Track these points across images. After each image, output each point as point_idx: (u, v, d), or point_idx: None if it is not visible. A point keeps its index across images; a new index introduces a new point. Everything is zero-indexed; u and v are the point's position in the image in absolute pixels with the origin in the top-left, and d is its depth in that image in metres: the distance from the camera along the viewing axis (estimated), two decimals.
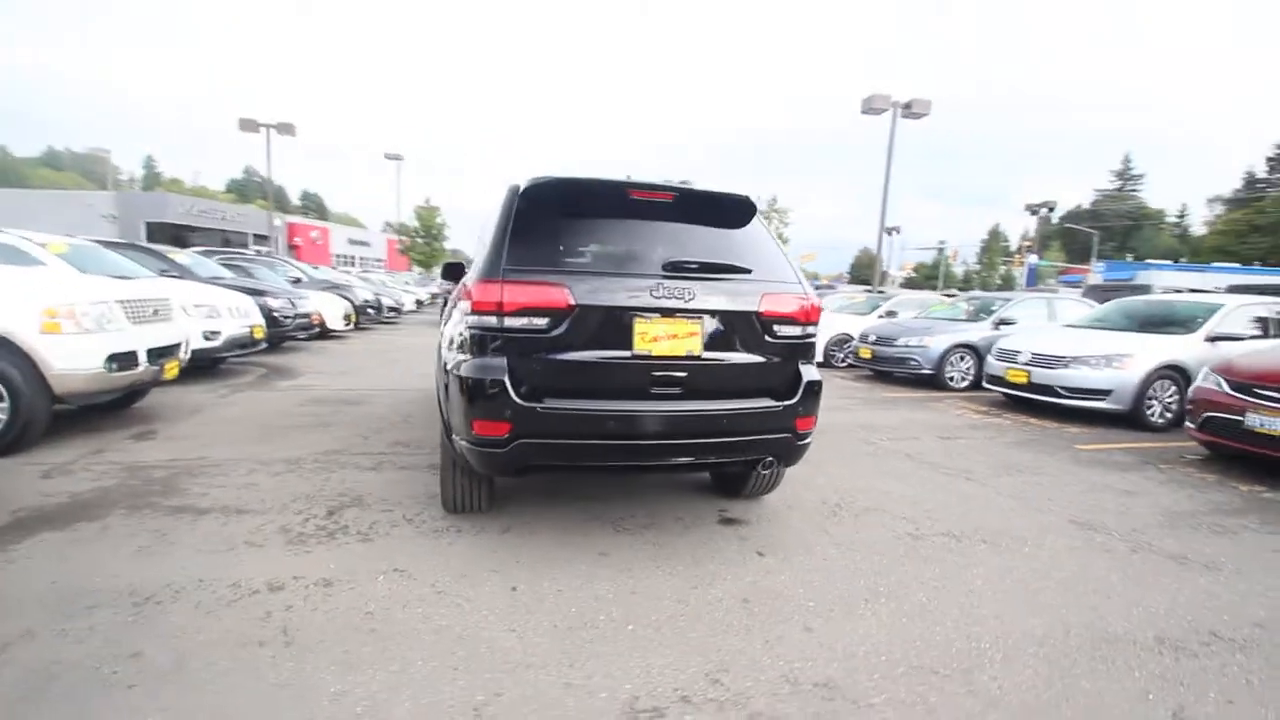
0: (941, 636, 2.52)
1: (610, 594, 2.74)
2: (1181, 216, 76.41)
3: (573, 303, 2.73)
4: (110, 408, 5.40)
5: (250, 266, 11.12)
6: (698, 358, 2.91)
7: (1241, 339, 6.81)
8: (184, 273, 8.38)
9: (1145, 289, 12.72)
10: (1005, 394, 7.89)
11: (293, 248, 37.38)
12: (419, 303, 22.18)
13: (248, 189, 79.64)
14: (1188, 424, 5.51)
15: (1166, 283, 18.68)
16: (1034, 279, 33.70)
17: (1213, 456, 5.57)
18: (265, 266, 12.10)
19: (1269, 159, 65.09)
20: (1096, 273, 37.95)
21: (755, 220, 3.32)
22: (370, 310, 14.58)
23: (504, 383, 2.70)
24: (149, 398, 5.81)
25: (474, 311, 2.78)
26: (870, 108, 17.53)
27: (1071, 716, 2.08)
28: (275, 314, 8.91)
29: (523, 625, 2.46)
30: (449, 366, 3.01)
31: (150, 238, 23.99)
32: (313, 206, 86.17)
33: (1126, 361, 6.74)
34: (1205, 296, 8.45)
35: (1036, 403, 7.43)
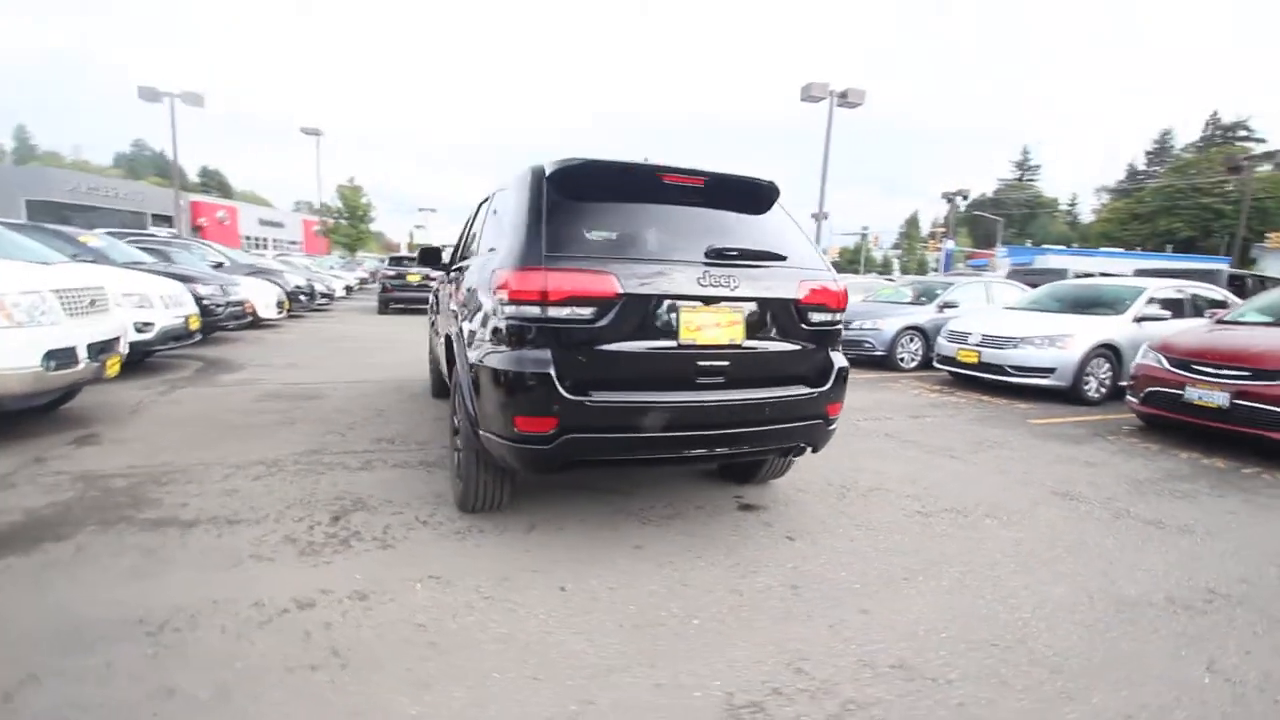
0: (986, 610, 2.63)
1: (662, 589, 2.69)
2: (1072, 205, 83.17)
3: (620, 291, 2.63)
4: (38, 410, 4.80)
5: (169, 251, 10.14)
6: (739, 346, 2.87)
7: (1163, 319, 7.47)
8: (98, 258, 7.53)
9: (1063, 274, 13.74)
10: (954, 373, 8.32)
11: (197, 229, 34.50)
12: (348, 289, 21.01)
13: (138, 164, 72.54)
14: (1130, 398, 6.00)
15: (1058, 265, 20.27)
16: (950, 263, 35.75)
17: (1148, 427, 6.10)
18: (184, 250, 11.09)
19: (1148, 153, 71.69)
20: (1002, 257, 40.70)
21: (778, 205, 3.31)
22: (303, 297, 13.66)
23: (550, 376, 2.57)
24: (79, 397, 5.20)
25: (512, 301, 2.62)
26: (809, 95, 17.92)
27: (1124, 676, 2.21)
28: (206, 302, 8.16)
29: (586, 627, 2.38)
30: (477, 359, 2.84)
31: (32, 219, 21.47)
32: (213, 184, 79.68)
33: (1068, 341, 7.25)
34: (1127, 280, 9.21)
35: (983, 381, 7.89)
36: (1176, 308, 7.84)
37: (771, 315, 2.95)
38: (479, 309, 2.97)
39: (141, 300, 6.25)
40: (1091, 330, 7.36)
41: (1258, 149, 59.34)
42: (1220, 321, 6.26)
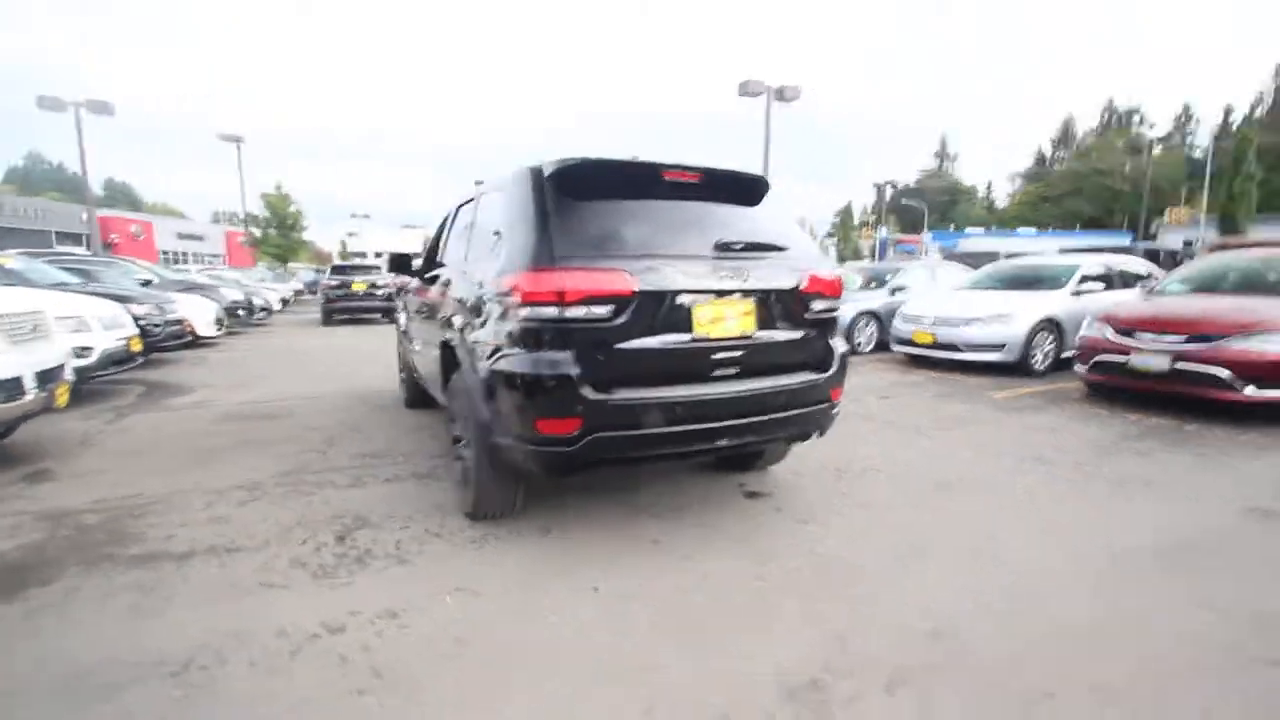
0: (1001, 578, 2.76)
1: (689, 582, 2.71)
2: (989, 191, 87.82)
3: (635, 288, 2.63)
4: None
5: (92, 270, 9.44)
6: (750, 337, 2.92)
7: (1097, 293, 8.00)
8: (18, 280, 6.96)
9: (995, 256, 14.54)
10: (909, 354, 8.68)
11: (108, 245, 32.18)
12: (284, 301, 20.05)
13: (34, 178, 66.87)
14: (1078, 367, 6.41)
15: (990, 249, 21.46)
16: (885, 250, 37.14)
17: (1093, 394, 6.53)
18: (108, 268, 10.35)
19: (1053, 140, 76.26)
20: (930, 241, 42.65)
21: (769, 199, 3.37)
22: (240, 312, 12.96)
23: (572, 377, 2.55)
24: (20, 430, 4.79)
25: (526, 303, 2.59)
26: (747, 91, 18.28)
27: (1137, 627, 2.38)
28: (143, 322, 7.65)
29: (626, 626, 2.38)
30: (489, 365, 2.78)
31: None
32: (121, 197, 74.43)
33: (1015, 318, 7.67)
34: (1061, 258, 9.81)
35: (936, 359, 8.26)
36: (1107, 281, 8.42)
37: (778, 305, 3.01)
38: (484, 313, 2.91)
39: (78, 324, 5.80)
40: (1035, 306, 7.81)
41: (1149, 133, 64.37)
42: (1152, 292, 6.77)
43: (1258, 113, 56.33)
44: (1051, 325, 7.80)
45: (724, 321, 2.83)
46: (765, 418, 2.96)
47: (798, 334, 3.10)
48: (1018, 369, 7.73)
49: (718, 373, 2.86)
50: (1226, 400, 5.16)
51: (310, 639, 2.27)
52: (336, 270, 15.45)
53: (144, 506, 3.53)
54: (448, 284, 3.68)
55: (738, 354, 2.89)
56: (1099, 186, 61.94)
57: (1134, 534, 3.20)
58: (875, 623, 2.40)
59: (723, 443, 2.88)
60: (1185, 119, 67.90)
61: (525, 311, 2.59)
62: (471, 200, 3.98)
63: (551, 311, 2.57)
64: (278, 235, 30.68)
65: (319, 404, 6.30)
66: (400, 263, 5.04)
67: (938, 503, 3.64)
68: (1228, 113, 61.77)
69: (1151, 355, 5.54)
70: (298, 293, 25.12)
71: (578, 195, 2.86)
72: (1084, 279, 8.22)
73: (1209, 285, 6.50)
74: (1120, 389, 6.02)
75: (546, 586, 2.66)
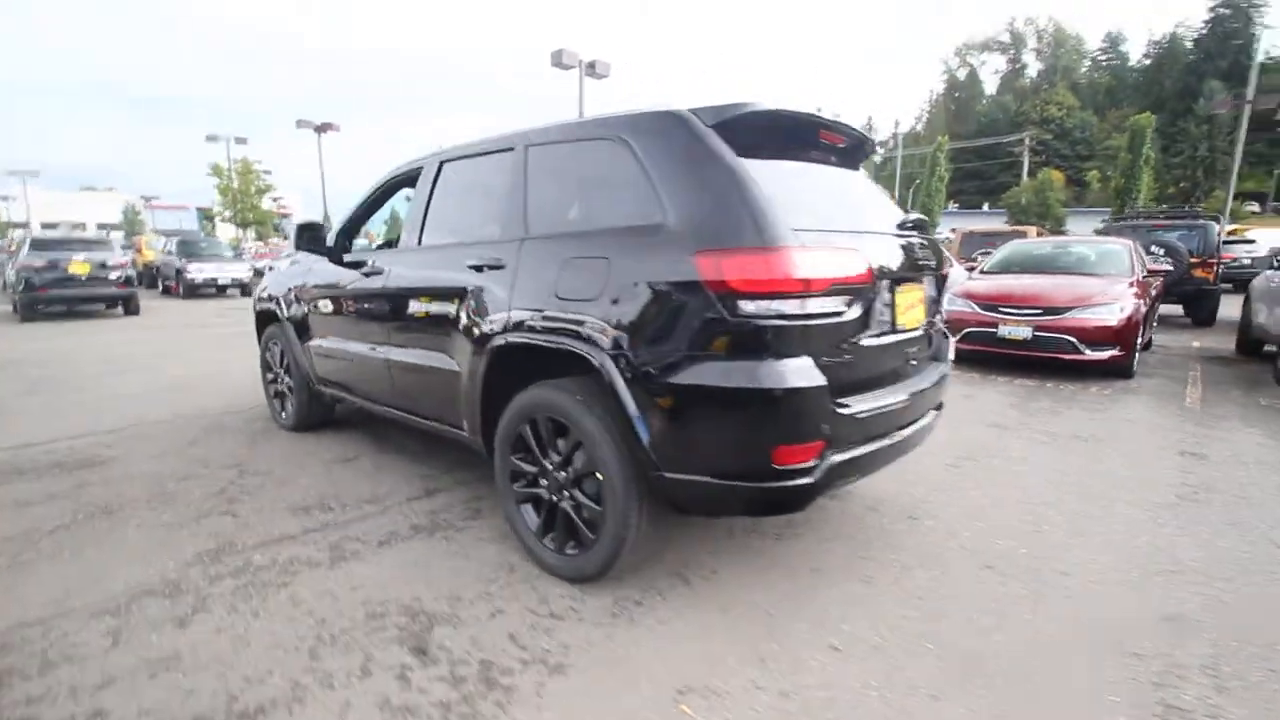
0: (1101, 532, 2.96)
1: (910, 611, 2.36)
2: None
3: (873, 272, 2.15)
4: None
5: None
6: (919, 328, 2.62)
7: None
8: None
9: None
10: None
11: None
12: None
13: None
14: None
15: None
16: None
17: (954, 360, 7.52)
18: None
19: None
20: None
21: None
22: None
23: (824, 388, 1.99)
24: None
25: (753, 294, 1.94)
26: (559, 62, 17.64)
27: (1233, 552, 2.74)
28: None
29: (923, 681, 1.97)
30: (673, 381, 2.04)
31: None
32: None
33: None
34: None
35: None
36: None
37: (932, 289, 2.76)
38: (646, 310, 2.13)
39: None
40: None
41: None
42: (983, 272, 8.01)
43: (918, 126, 71.71)
44: None
45: (913, 310, 2.50)
46: (933, 415, 2.70)
47: (933, 320, 2.89)
48: None
49: (909, 369, 2.52)
50: (1073, 360, 6.30)
51: None
52: (39, 246, 11.12)
53: (24, 645, 2.02)
54: (492, 268, 2.67)
55: (915, 347, 2.58)
56: None
57: (1137, 484, 3.58)
58: (1105, 606, 2.37)
59: (919, 447, 2.56)
60: (869, 129, 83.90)
61: (751, 305, 1.94)
62: (478, 157, 3.00)
63: (787, 305, 1.96)
64: None
65: (146, 438, 4.41)
66: (312, 237, 3.70)
67: (981, 474, 3.75)
68: (896, 124, 77.75)
69: (1017, 325, 6.53)
70: None
71: (748, 153, 2.21)
72: None
73: (1020, 266, 7.90)
74: (985, 356, 7.02)
75: (780, 658, 2.09)
